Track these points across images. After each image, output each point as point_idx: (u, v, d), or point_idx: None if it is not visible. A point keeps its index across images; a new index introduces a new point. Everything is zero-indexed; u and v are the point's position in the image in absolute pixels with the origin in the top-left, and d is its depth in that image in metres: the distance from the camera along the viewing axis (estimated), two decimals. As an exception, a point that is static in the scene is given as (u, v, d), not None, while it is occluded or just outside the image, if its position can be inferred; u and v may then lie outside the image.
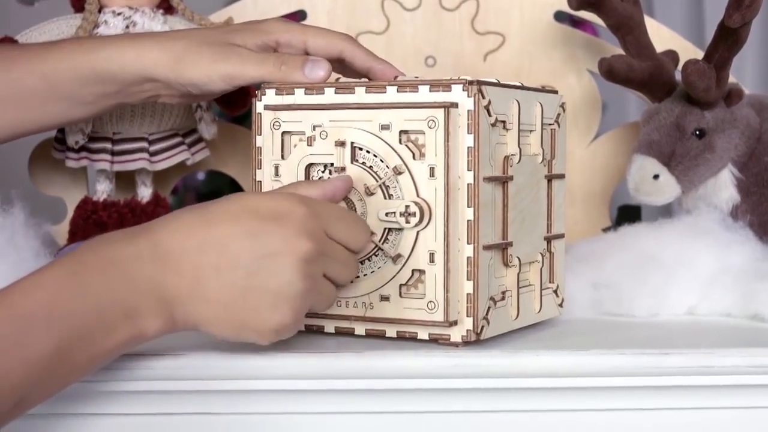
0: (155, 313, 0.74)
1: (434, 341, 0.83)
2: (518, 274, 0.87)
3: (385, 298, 0.84)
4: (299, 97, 0.87)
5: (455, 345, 0.83)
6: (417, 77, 0.89)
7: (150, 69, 0.95)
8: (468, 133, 0.81)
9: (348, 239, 0.80)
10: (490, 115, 0.83)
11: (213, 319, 0.75)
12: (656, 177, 1.06)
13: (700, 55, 1.10)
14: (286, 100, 0.88)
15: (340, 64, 0.97)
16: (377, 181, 0.84)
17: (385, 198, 0.83)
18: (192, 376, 0.80)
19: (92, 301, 0.71)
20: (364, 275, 0.84)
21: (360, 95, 0.85)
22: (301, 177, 0.86)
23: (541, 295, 0.91)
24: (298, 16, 1.28)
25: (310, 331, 0.86)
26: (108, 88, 0.97)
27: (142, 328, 0.73)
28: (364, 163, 0.84)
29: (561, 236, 0.94)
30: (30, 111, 0.98)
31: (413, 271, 0.83)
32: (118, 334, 0.72)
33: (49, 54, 0.97)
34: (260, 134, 0.88)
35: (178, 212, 0.76)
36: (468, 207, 0.82)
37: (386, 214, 0.83)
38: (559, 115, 0.93)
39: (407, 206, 0.82)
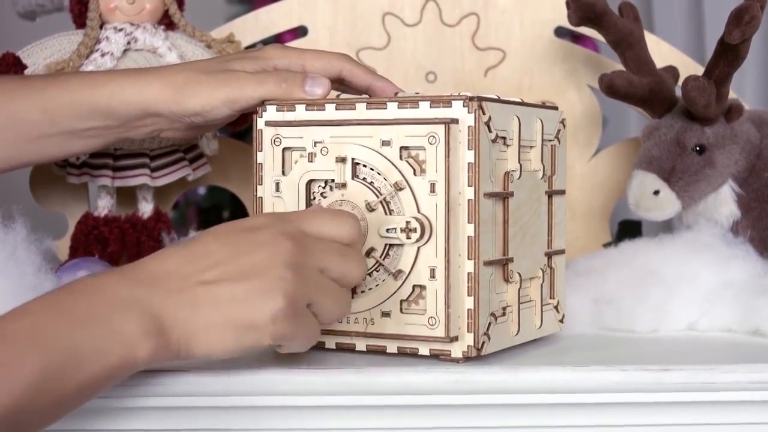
0: (145, 332, 0.72)
1: (435, 357, 0.83)
2: (519, 290, 0.87)
3: (385, 314, 0.84)
4: (300, 113, 0.87)
5: (456, 361, 0.83)
6: (417, 93, 0.89)
7: (152, 104, 0.95)
8: (468, 149, 0.82)
9: (331, 232, 0.79)
10: (490, 131, 0.83)
11: (207, 326, 0.74)
12: (656, 193, 1.06)
13: (700, 70, 1.10)
14: (287, 116, 0.88)
15: (340, 83, 0.97)
16: (378, 197, 0.84)
17: (385, 214, 0.84)
18: (196, 393, 0.80)
19: (79, 322, 0.71)
20: (364, 291, 0.84)
21: (361, 111, 0.85)
22: (302, 193, 0.86)
23: (541, 311, 0.91)
24: (299, 31, 1.28)
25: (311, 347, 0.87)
26: (109, 123, 0.97)
27: (133, 350, 0.72)
28: (364, 179, 0.84)
29: (561, 252, 0.94)
30: (29, 143, 0.98)
31: (414, 286, 0.83)
32: (109, 355, 0.71)
33: (50, 88, 0.97)
34: (261, 150, 0.88)
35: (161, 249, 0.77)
36: (468, 223, 0.82)
37: (387, 230, 0.83)
38: (559, 131, 0.93)
39: (408, 222, 0.82)
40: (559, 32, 1.26)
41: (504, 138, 0.85)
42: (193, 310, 0.74)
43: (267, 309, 0.74)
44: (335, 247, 0.79)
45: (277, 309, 0.74)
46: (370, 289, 0.84)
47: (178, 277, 0.74)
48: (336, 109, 0.86)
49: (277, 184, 0.87)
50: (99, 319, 0.71)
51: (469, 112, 0.82)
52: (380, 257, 0.84)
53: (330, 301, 0.78)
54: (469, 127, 0.82)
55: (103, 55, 1.10)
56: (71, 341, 0.70)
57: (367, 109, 0.85)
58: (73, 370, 0.70)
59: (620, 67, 1.12)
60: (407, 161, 0.83)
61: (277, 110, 0.88)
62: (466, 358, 0.83)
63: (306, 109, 0.87)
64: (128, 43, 1.12)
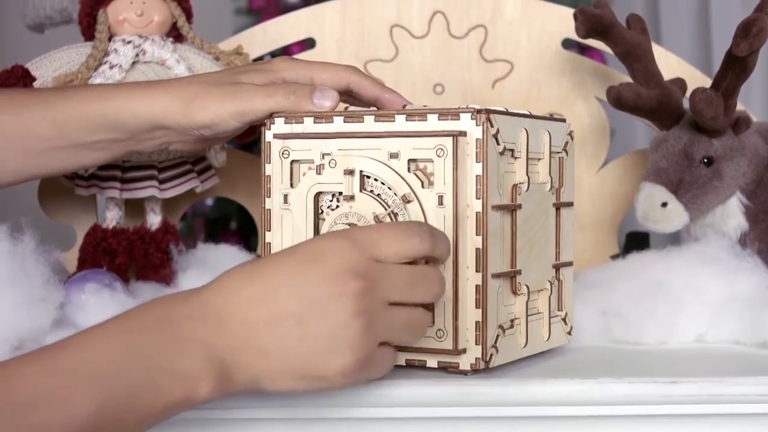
0: (208, 374, 0.71)
1: (443, 369, 0.83)
2: (527, 302, 0.87)
3: (393, 326, 0.84)
4: (308, 125, 0.87)
5: (464, 373, 0.83)
6: (426, 105, 0.89)
7: (160, 116, 0.95)
8: (476, 161, 0.82)
9: (401, 252, 0.77)
10: (498, 143, 0.83)
11: (274, 373, 0.73)
12: (664, 205, 1.06)
13: (707, 82, 1.10)
14: (295, 128, 0.88)
15: (348, 96, 0.97)
16: (386, 210, 0.84)
17: (393, 226, 0.84)
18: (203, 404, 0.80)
19: (142, 359, 0.69)
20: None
21: (369, 124, 0.85)
22: (310, 206, 0.86)
23: (549, 323, 0.91)
24: (307, 44, 1.29)
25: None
26: (118, 136, 0.97)
27: (193, 390, 0.71)
28: (373, 192, 0.84)
29: (569, 264, 0.94)
30: (39, 156, 0.98)
31: (422, 299, 0.83)
32: (169, 395, 0.70)
33: (59, 101, 0.97)
34: (269, 162, 0.88)
35: (227, 271, 0.74)
36: (476, 235, 0.82)
37: (395, 243, 0.83)
38: (567, 143, 0.93)
39: (416, 234, 0.82)
40: (567, 44, 1.26)
41: (512, 150, 0.85)
42: (258, 356, 0.72)
43: (334, 364, 0.73)
44: (404, 274, 0.76)
45: (344, 364, 0.73)
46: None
47: (244, 318, 0.73)
48: (344, 121, 0.86)
49: (285, 197, 0.87)
50: (162, 358, 0.70)
51: (477, 125, 0.82)
52: (388, 269, 0.84)
53: (402, 331, 0.77)
54: (477, 139, 0.82)
55: (111, 67, 1.11)
56: (132, 378, 0.69)
57: (375, 121, 0.85)
58: (132, 408, 0.68)
59: (628, 79, 1.12)
60: (415, 174, 0.83)
61: (285, 123, 0.88)
62: (474, 371, 0.83)
63: (314, 122, 0.87)
64: (137, 55, 1.12)
